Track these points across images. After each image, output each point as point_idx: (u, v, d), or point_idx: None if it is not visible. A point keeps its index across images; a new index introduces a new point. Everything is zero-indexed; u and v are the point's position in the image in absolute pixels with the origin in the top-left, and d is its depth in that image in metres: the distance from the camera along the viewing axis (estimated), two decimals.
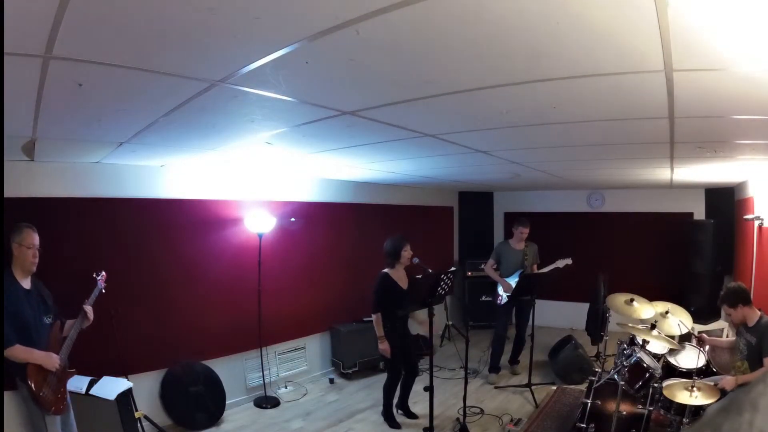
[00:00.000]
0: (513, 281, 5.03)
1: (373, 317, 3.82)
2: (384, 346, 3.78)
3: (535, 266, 5.25)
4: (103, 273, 3.05)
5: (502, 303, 5.15)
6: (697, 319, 4.64)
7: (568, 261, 5.03)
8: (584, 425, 3.26)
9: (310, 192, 5.22)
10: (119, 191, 3.70)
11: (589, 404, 3.30)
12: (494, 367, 5.16)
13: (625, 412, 3.16)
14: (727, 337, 4.75)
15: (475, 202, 7.81)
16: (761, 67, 1.48)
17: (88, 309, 2.82)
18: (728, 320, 3.25)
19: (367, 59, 1.54)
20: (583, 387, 3.88)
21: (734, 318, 3.16)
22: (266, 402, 4.49)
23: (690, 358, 3.49)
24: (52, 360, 2.53)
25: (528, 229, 5.17)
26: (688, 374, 3.31)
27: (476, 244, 7.52)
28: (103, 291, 3.00)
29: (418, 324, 4.11)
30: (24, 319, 2.48)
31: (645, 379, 3.21)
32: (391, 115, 2.31)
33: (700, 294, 5.65)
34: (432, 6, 1.15)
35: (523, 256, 5.14)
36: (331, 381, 5.14)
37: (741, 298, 3.11)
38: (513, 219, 5.45)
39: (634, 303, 3.54)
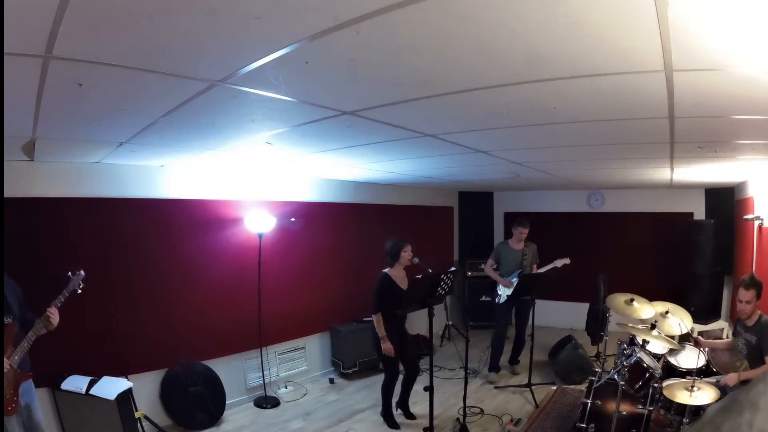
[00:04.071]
0: (512, 281, 5.04)
1: (374, 318, 3.82)
2: (387, 346, 3.78)
3: (534, 266, 5.25)
4: (82, 272, 2.78)
5: (501, 302, 5.15)
6: (697, 319, 4.64)
7: (567, 261, 5.02)
8: (584, 425, 3.26)
9: (310, 192, 5.22)
10: (119, 191, 3.70)
11: (589, 404, 3.30)
12: (494, 367, 5.16)
13: (625, 412, 3.16)
14: (727, 337, 4.75)
15: (475, 202, 7.81)
16: (761, 67, 1.48)
17: (53, 312, 2.57)
18: (739, 307, 3.13)
19: (367, 59, 1.54)
20: (583, 387, 3.88)
21: (747, 309, 3.07)
22: (266, 402, 4.49)
23: (690, 358, 3.49)
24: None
25: (527, 230, 5.16)
26: (688, 374, 3.31)
27: (476, 244, 7.52)
28: (79, 292, 2.74)
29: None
30: None
31: (645, 379, 3.22)
32: (391, 115, 2.31)
33: (700, 294, 5.65)
34: (432, 6, 1.15)
35: (522, 256, 5.14)
36: (331, 381, 5.14)
37: (761, 290, 3.06)
38: (513, 219, 5.44)
39: (634, 303, 3.54)
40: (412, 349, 4.12)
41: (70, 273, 2.77)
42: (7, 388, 2.46)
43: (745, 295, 3.06)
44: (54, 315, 2.60)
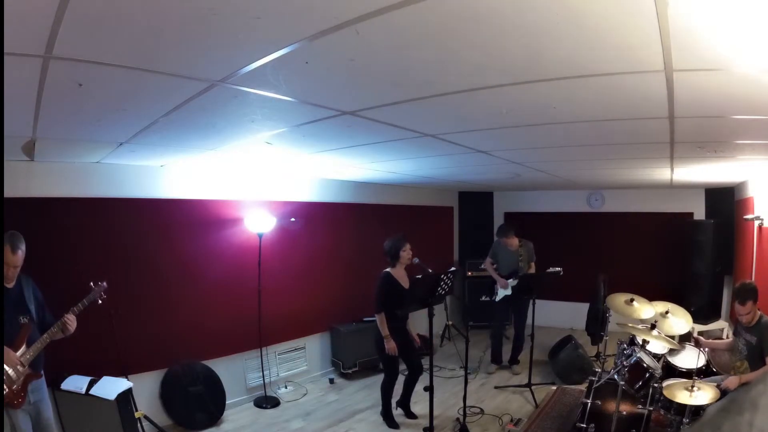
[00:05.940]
0: (511, 284, 5.07)
1: (377, 317, 3.82)
2: (390, 345, 3.79)
3: (532, 264, 5.26)
4: (105, 284, 2.86)
5: (497, 300, 5.18)
6: (697, 319, 4.64)
7: (559, 271, 4.88)
8: (584, 425, 3.26)
9: (310, 192, 5.22)
10: (119, 191, 3.70)
11: (589, 404, 3.30)
12: (495, 360, 5.22)
13: (625, 412, 3.16)
14: (727, 337, 4.75)
15: (475, 202, 7.81)
16: (761, 67, 1.48)
17: (70, 319, 2.64)
18: (740, 318, 3.14)
19: (367, 59, 1.54)
20: (583, 387, 3.88)
21: (746, 318, 3.08)
22: (266, 402, 4.49)
23: (690, 358, 3.49)
24: (9, 357, 2.49)
25: (512, 239, 5.17)
26: (688, 374, 3.31)
27: (476, 244, 7.50)
28: (100, 302, 2.83)
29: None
30: None
31: (645, 379, 3.22)
32: (391, 115, 2.31)
33: (700, 294, 5.64)
34: (432, 6, 1.15)
35: (517, 256, 5.17)
36: (331, 381, 5.14)
37: (757, 295, 3.07)
38: (513, 219, 5.45)
39: (634, 303, 3.54)
40: (414, 347, 4.11)
41: (92, 283, 2.84)
42: (11, 383, 2.51)
43: (742, 309, 3.07)
44: (71, 322, 2.66)
